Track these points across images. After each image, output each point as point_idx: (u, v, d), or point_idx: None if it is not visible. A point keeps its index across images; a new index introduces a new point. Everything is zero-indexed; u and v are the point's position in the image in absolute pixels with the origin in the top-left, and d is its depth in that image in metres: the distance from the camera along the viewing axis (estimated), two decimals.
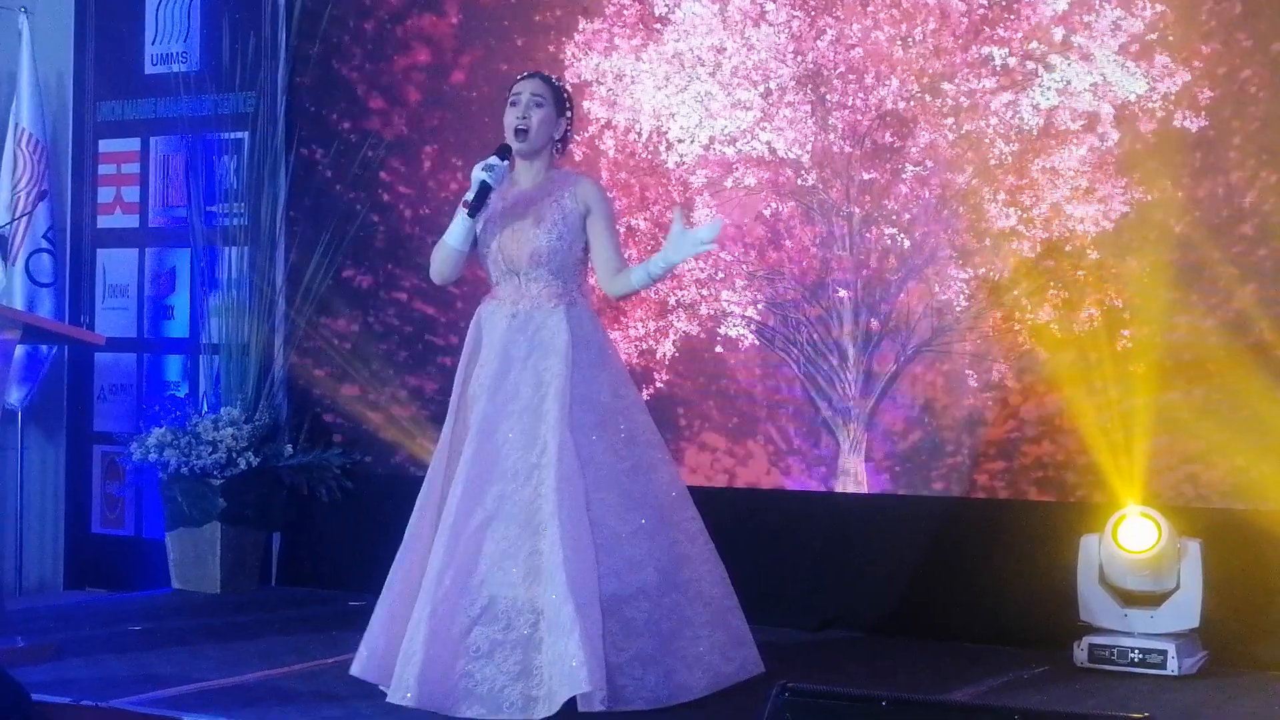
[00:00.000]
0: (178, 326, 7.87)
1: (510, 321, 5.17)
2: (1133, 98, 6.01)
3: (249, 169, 7.54)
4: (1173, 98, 5.95)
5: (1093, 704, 5.15)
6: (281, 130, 7.57)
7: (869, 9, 6.44)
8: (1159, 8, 5.97)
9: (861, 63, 6.46)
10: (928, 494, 6.36)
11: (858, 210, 6.48)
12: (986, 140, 6.25)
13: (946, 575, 6.20)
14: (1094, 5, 6.07)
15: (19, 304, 7.59)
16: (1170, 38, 5.95)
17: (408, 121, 7.39)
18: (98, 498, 8.06)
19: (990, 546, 6.15)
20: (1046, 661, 5.71)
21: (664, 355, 6.78)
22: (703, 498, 5.38)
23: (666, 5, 6.81)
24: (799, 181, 6.58)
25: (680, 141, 6.77)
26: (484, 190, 5.14)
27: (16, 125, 7.75)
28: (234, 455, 7.22)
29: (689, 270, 6.71)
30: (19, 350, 6.99)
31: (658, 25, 6.83)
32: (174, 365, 7.89)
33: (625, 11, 6.89)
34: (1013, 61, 6.22)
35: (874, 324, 6.46)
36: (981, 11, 6.27)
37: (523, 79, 5.31)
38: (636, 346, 6.78)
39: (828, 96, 6.52)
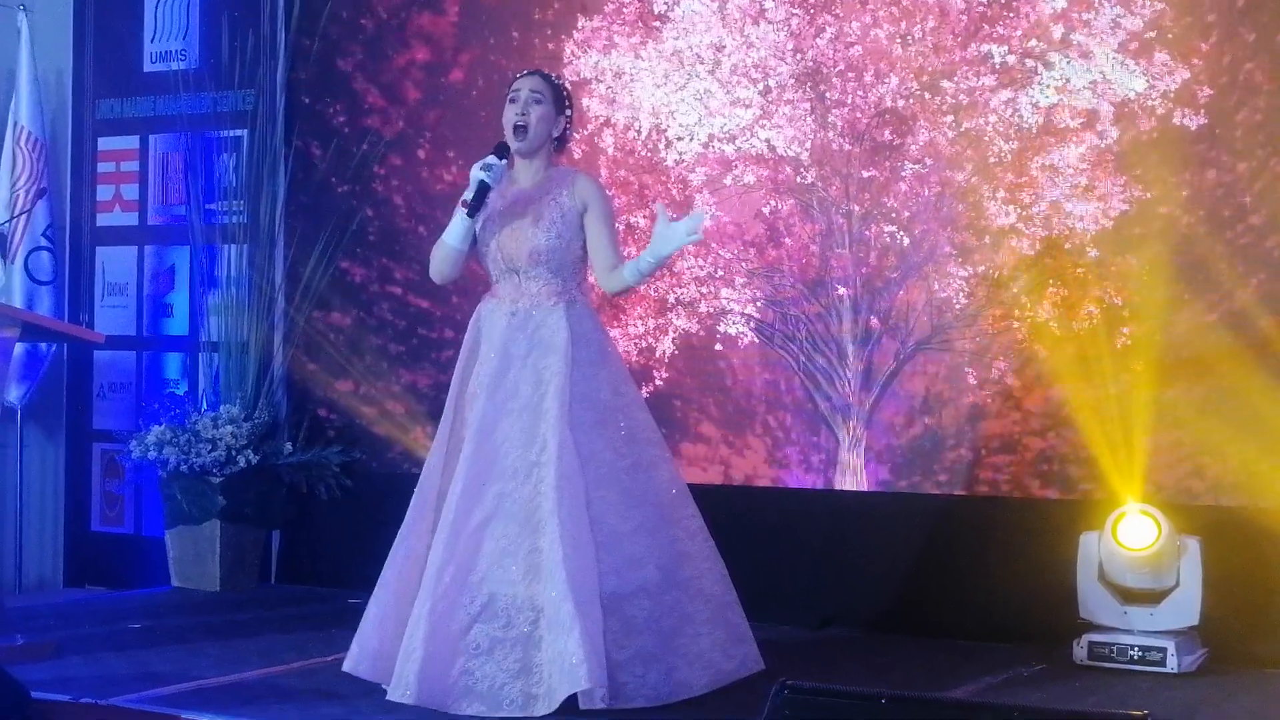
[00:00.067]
0: (177, 324, 7.87)
1: (510, 320, 5.17)
2: (1132, 95, 6.01)
3: (248, 167, 7.54)
4: (1172, 95, 5.95)
5: (1092, 701, 5.16)
6: (281, 128, 7.57)
7: (868, 6, 6.44)
8: (1158, 5, 5.97)
9: (861, 60, 6.46)
10: (927, 491, 6.36)
11: (857, 208, 6.48)
12: (986, 138, 6.25)
13: (946, 572, 6.20)
14: (1093, 3, 6.07)
15: (18, 302, 7.59)
16: (1170, 35, 5.95)
17: (407, 119, 7.39)
18: (97, 495, 8.06)
19: (989, 544, 6.16)
20: (1046, 659, 5.71)
21: (663, 353, 6.78)
22: (702, 495, 5.38)
23: (666, 3, 6.81)
24: (798, 179, 6.58)
25: (679, 139, 6.77)
26: (483, 190, 5.14)
27: (16, 123, 7.75)
28: (233, 453, 7.22)
29: (688, 268, 6.71)
30: (18, 348, 7.00)
31: (657, 23, 6.83)
32: (173, 363, 7.89)
33: (624, 9, 6.88)
34: (1012, 59, 6.22)
35: (873, 321, 6.46)
36: (981, 9, 6.27)
37: (521, 76, 5.31)
38: (636, 344, 6.78)
39: (827, 94, 6.52)
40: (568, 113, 5.29)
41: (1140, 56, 6.00)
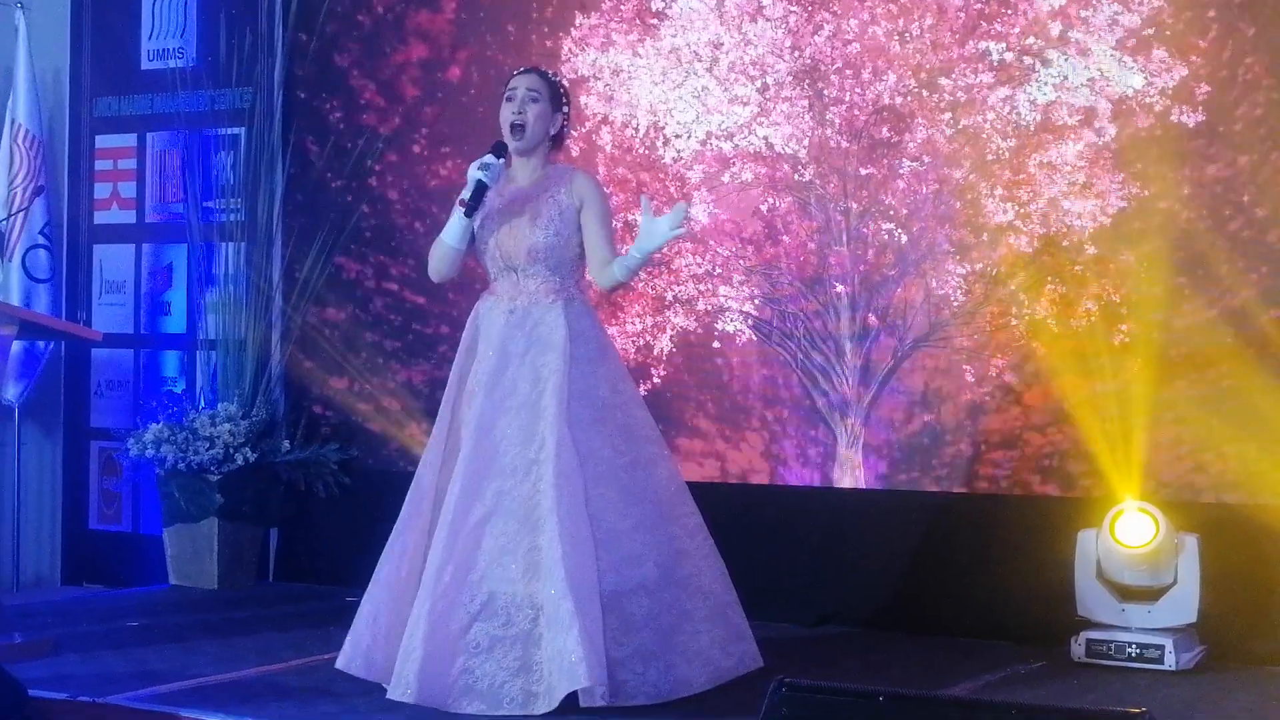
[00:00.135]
0: (175, 322, 7.87)
1: (508, 318, 5.16)
2: (1130, 92, 6.01)
3: (245, 164, 7.54)
4: (1170, 92, 5.95)
5: (1090, 699, 5.16)
6: (278, 126, 7.57)
7: (866, 4, 6.44)
8: (1156, 2, 5.97)
9: (858, 58, 6.46)
10: (925, 489, 6.36)
11: (855, 205, 6.48)
12: (984, 135, 6.25)
13: (943, 570, 6.20)
14: (1091, 0, 6.07)
15: (15, 300, 7.59)
16: (1167, 32, 5.95)
17: (404, 116, 7.38)
18: (95, 493, 8.06)
19: (988, 541, 6.16)
20: (1044, 657, 5.71)
21: (661, 350, 6.77)
22: (700, 492, 5.38)
23: (663, 0, 6.80)
24: (796, 177, 6.58)
25: (677, 137, 6.77)
26: (480, 189, 5.14)
27: (13, 121, 7.75)
28: (231, 451, 7.22)
29: (686, 266, 6.71)
30: (16, 346, 7.00)
31: (654, 20, 6.83)
32: (171, 361, 7.89)
33: (622, 6, 6.88)
34: (1010, 57, 6.21)
35: (871, 319, 6.46)
36: (979, 6, 6.26)
37: (518, 74, 5.30)
38: (634, 342, 6.78)
39: (825, 92, 6.52)
40: (565, 110, 5.29)
41: (1138, 53, 6.00)
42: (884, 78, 6.41)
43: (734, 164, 6.67)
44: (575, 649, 4.73)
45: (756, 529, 6.43)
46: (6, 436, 7.81)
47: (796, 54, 6.56)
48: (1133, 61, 6.01)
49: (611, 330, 6.48)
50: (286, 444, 7.40)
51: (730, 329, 6.69)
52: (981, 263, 6.28)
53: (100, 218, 8.08)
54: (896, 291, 6.41)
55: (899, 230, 6.41)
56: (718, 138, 6.70)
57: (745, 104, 6.64)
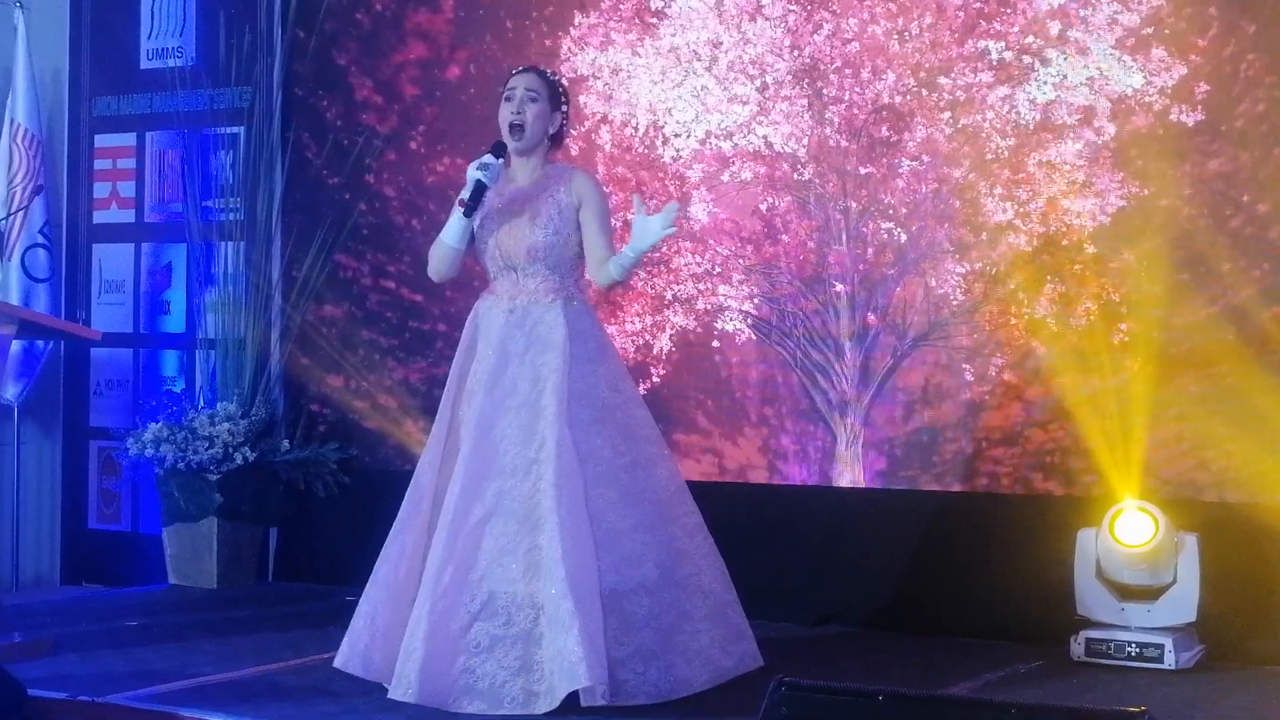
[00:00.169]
0: (174, 322, 7.87)
1: (508, 317, 5.16)
2: (1129, 91, 6.01)
3: (245, 164, 7.54)
4: (1169, 91, 5.94)
5: (1090, 698, 5.16)
6: (277, 125, 7.56)
7: (865, 3, 6.44)
8: (1156, 1, 5.97)
9: (858, 57, 6.46)
10: (924, 488, 6.36)
11: (854, 204, 6.48)
12: (983, 134, 6.25)
13: (943, 570, 6.20)
14: None
15: (15, 299, 7.59)
16: (1167, 31, 5.95)
17: (404, 116, 7.38)
18: (94, 493, 8.05)
19: (987, 540, 6.15)
20: (1043, 656, 5.70)
21: (661, 350, 6.77)
22: (700, 492, 5.38)
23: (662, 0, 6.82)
24: (795, 176, 6.58)
25: (676, 136, 6.77)
26: (479, 189, 5.14)
27: (12, 120, 7.74)
28: (230, 450, 7.22)
29: (685, 265, 6.71)
30: (15, 346, 7.00)
31: (654, 20, 6.83)
32: (170, 360, 7.88)
33: (621, 6, 6.88)
34: (1009, 56, 6.21)
35: (870, 318, 6.46)
36: (978, 5, 6.26)
37: (517, 73, 5.30)
38: (633, 341, 6.78)
39: (824, 91, 6.52)
40: (564, 108, 5.29)
41: (1137, 52, 6.00)
42: (883, 77, 6.41)
43: (733, 163, 6.67)
44: (576, 648, 4.73)
45: (756, 528, 6.43)
46: (6, 436, 7.80)
47: (796, 53, 6.56)
48: (1132, 60, 6.00)
49: (611, 329, 6.48)
50: (286, 443, 7.40)
51: (730, 328, 6.69)
52: (981, 262, 6.28)
53: (99, 217, 8.08)
54: (896, 290, 6.41)
55: (898, 229, 6.41)
56: (717, 137, 6.69)
57: (744, 103, 6.64)
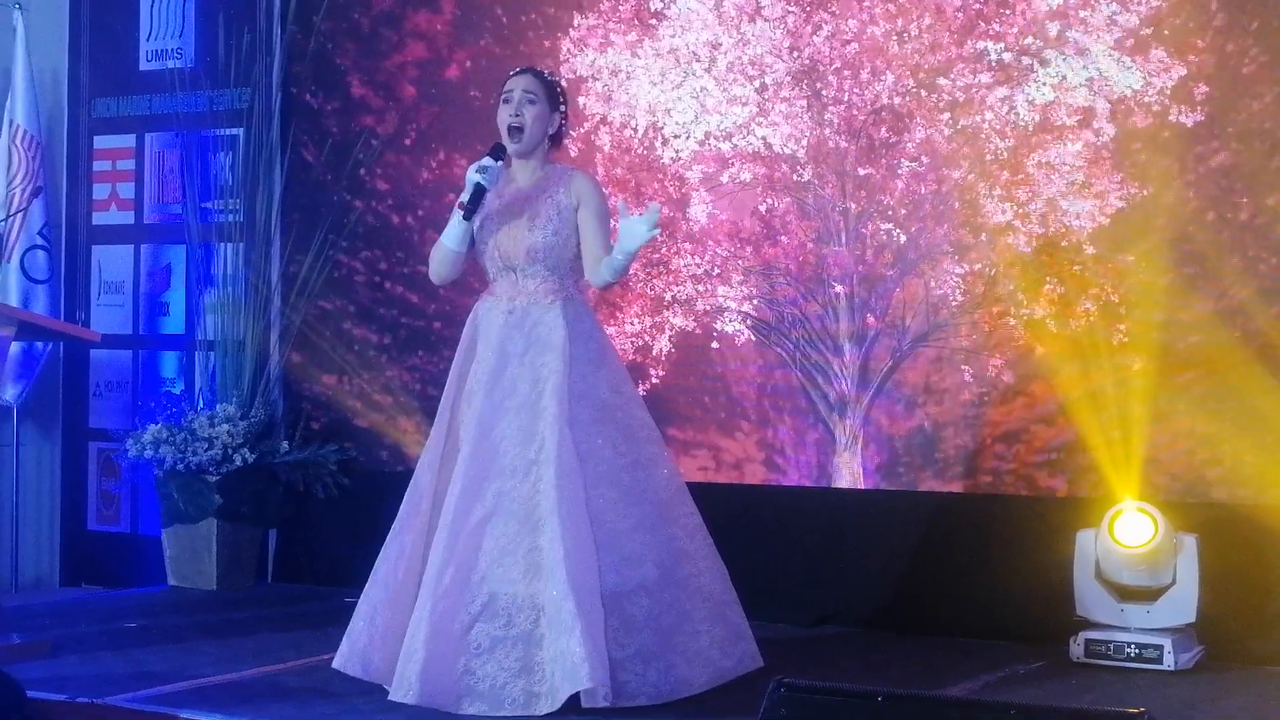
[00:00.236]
0: (173, 323, 7.87)
1: (507, 318, 5.17)
2: (1128, 92, 6.01)
3: (244, 165, 7.54)
4: (1168, 92, 5.95)
5: (1089, 699, 5.16)
6: (276, 126, 7.57)
7: (864, 4, 6.44)
8: (1155, 2, 5.97)
9: (857, 58, 6.46)
10: (923, 489, 6.36)
11: (853, 205, 6.48)
12: (982, 135, 6.25)
13: (942, 570, 6.20)
14: (1089, 0, 6.07)
15: (14, 301, 7.58)
16: (1166, 32, 5.95)
17: (403, 117, 7.38)
18: (93, 494, 8.05)
19: (986, 541, 6.16)
20: (1043, 657, 5.71)
21: (660, 351, 6.77)
22: (699, 493, 5.38)
23: (662, 1, 6.81)
24: (794, 177, 6.58)
25: (676, 137, 6.77)
26: (478, 192, 5.14)
27: (11, 121, 7.74)
28: (230, 452, 7.22)
29: (685, 266, 6.71)
30: (14, 347, 6.99)
31: (653, 21, 6.83)
32: (169, 362, 7.88)
33: (620, 7, 6.88)
34: (1008, 57, 6.21)
35: (870, 319, 6.46)
36: (977, 6, 6.26)
37: (514, 75, 5.30)
38: (633, 342, 6.78)
39: (823, 92, 6.52)
40: (562, 109, 5.29)
41: (1137, 53, 6.00)
42: (882, 78, 6.42)
43: (732, 164, 6.67)
44: (578, 650, 4.73)
45: (755, 529, 6.43)
46: (5, 437, 7.80)
47: (795, 54, 6.56)
48: (1131, 61, 6.00)
49: (610, 330, 6.48)
50: (285, 445, 7.40)
51: (729, 329, 6.69)
52: (980, 263, 6.28)
53: (99, 218, 8.08)
54: (895, 292, 6.42)
55: (897, 230, 6.42)
56: (716, 138, 6.70)
57: (744, 104, 6.65)
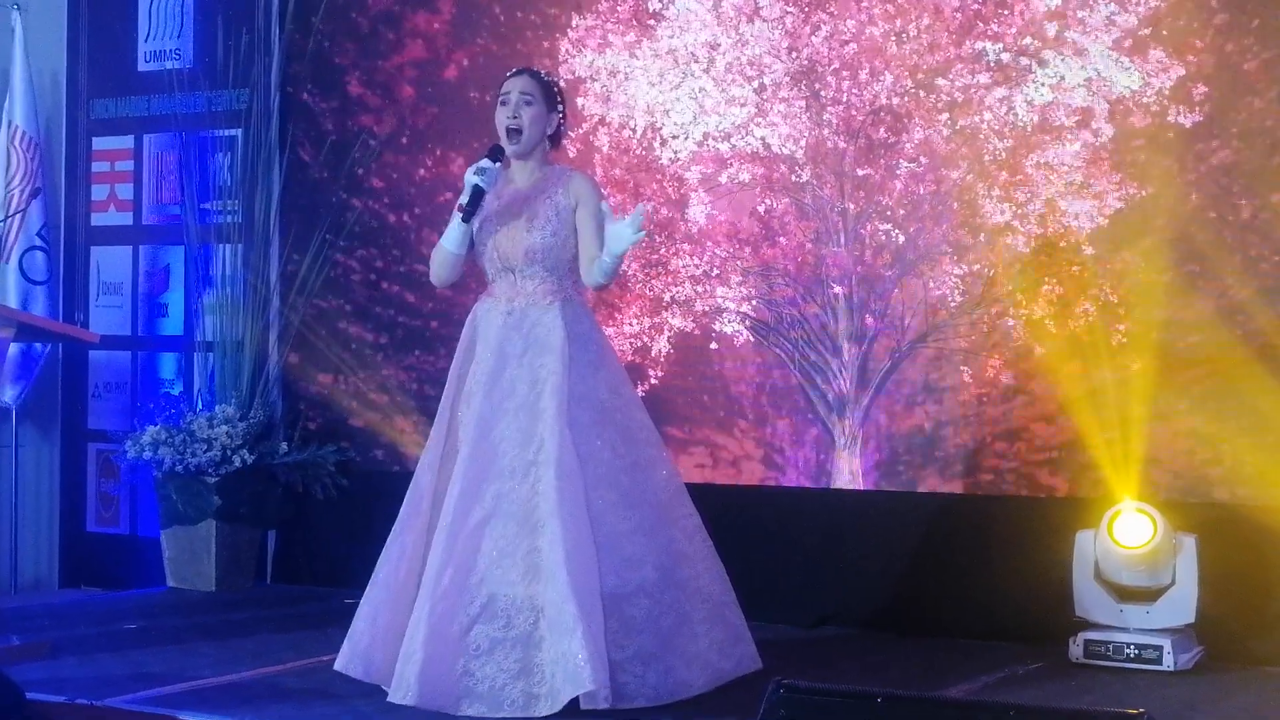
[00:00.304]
0: (172, 324, 7.87)
1: (506, 319, 5.16)
2: (1127, 93, 6.01)
3: (242, 166, 7.54)
4: (1167, 92, 5.95)
5: (1088, 700, 5.16)
6: (275, 127, 7.56)
7: (863, 4, 6.44)
8: (1153, 2, 5.97)
9: (855, 58, 6.46)
10: (922, 490, 6.36)
11: (852, 206, 6.48)
12: (981, 136, 6.25)
13: (941, 571, 6.20)
14: (1088, 0, 6.06)
15: (13, 302, 7.58)
16: (1165, 32, 5.95)
17: (401, 117, 7.38)
18: (92, 496, 8.05)
19: (985, 542, 6.16)
20: (1042, 657, 5.71)
21: (659, 352, 6.77)
22: (698, 494, 5.38)
23: (660, 1, 6.81)
24: (793, 177, 6.58)
25: (674, 138, 6.77)
26: (477, 194, 5.14)
27: (10, 122, 7.74)
28: (229, 453, 7.22)
29: (683, 267, 6.71)
30: (13, 348, 6.99)
31: (651, 21, 6.83)
32: (168, 363, 7.88)
33: (619, 7, 6.88)
34: (1006, 57, 6.21)
35: (869, 320, 6.46)
36: (975, 7, 6.26)
37: (511, 76, 5.29)
38: (631, 343, 6.78)
39: (822, 92, 6.52)
40: (560, 109, 5.28)
41: (1135, 54, 6.00)
42: (881, 78, 6.41)
43: (731, 165, 6.67)
44: (580, 652, 4.73)
45: (754, 530, 6.43)
46: (4, 439, 7.80)
47: (793, 55, 6.56)
48: (1129, 62, 6.00)
49: (609, 331, 6.48)
50: (284, 446, 7.40)
51: (728, 330, 6.69)
52: (979, 263, 6.28)
53: (97, 219, 8.08)
54: (894, 292, 6.42)
55: (896, 231, 6.41)
56: (715, 139, 6.69)
57: (742, 105, 6.64)
